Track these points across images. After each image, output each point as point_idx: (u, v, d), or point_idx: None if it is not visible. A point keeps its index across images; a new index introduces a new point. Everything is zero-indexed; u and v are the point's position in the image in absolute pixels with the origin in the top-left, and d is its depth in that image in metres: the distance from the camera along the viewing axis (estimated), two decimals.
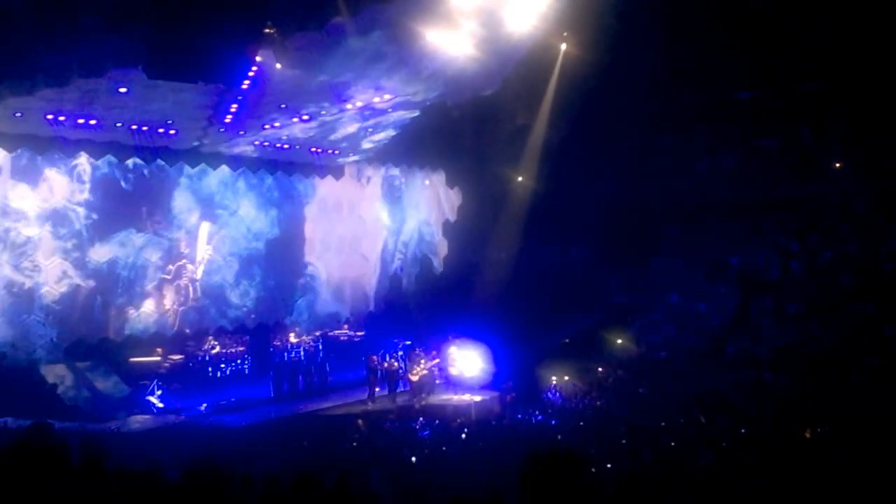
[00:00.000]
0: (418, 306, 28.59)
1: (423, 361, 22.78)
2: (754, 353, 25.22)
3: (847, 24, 22.69)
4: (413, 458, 15.68)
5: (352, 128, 24.20)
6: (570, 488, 3.65)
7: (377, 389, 22.46)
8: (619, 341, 27.12)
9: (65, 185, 21.41)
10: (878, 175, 27.09)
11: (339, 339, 28.10)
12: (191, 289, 24.33)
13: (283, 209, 26.85)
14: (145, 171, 22.76)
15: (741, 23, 23.34)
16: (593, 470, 14.32)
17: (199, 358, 24.18)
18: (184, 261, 24.06)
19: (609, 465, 14.49)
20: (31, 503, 4.64)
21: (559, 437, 17.43)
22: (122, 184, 22.50)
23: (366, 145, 26.37)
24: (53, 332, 21.18)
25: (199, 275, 24.49)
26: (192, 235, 24.34)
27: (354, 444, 17.85)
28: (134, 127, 20.45)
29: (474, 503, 3.86)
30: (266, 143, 24.11)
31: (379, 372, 22.77)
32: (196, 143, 22.50)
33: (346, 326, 28.71)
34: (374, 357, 23.00)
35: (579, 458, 3.81)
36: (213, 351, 24.64)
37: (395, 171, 29.45)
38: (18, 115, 18.14)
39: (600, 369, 25.13)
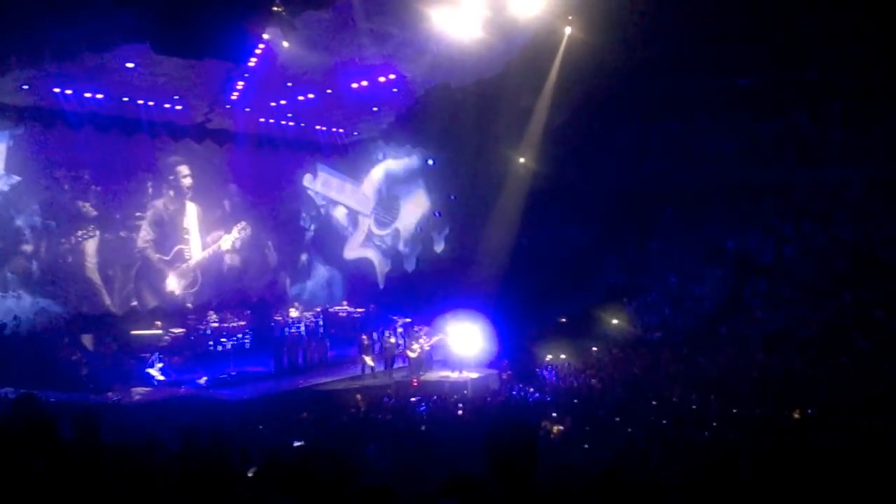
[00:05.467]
0: (419, 284, 28.85)
1: (421, 338, 23.09)
2: (747, 334, 25.51)
3: (845, 12, 22.81)
4: (410, 433, 15.97)
5: (356, 107, 24.36)
6: (528, 460, 3.73)
7: (373, 366, 22.79)
8: (615, 321, 27.41)
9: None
10: (874, 162, 27.34)
11: (338, 316, 28.39)
12: (191, 263, 24.59)
13: (285, 186, 27.05)
14: (150, 145, 22.96)
15: (742, 10, 23.46)
16: (586, 447, 14.65)
17: (200, 332, 24.45)
18: (186, 234, 24.29)
19: (603, 443, 14.80)
20: (19, 476, 4.60)
21: (554, 414, 17.72)
22: (126, 158, 22.72)
23: (369, 124, 26.53)
24: (55, 305, 21.44)
25: (201, 248, 24.75)
26: (195, 209, 24.56)
27: (352, 418, 18.13)
28: (140, 102, 20.60)
29: (471, 479, 4.00)
30: (271, 121, 24.26)
31: (375, 347, 23.08)
32: (202, 120, 22.67)
33: (345, 303, 29.00)
34: (365, 336, 23.30)
35: (532, 430, 3.94)
36: (214, 325, 24.91)
37: (399, 151, 29.62)
38: (26, 87, 18.30)
39: (595, 349, 25.47)
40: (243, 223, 25.90)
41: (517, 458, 3.74)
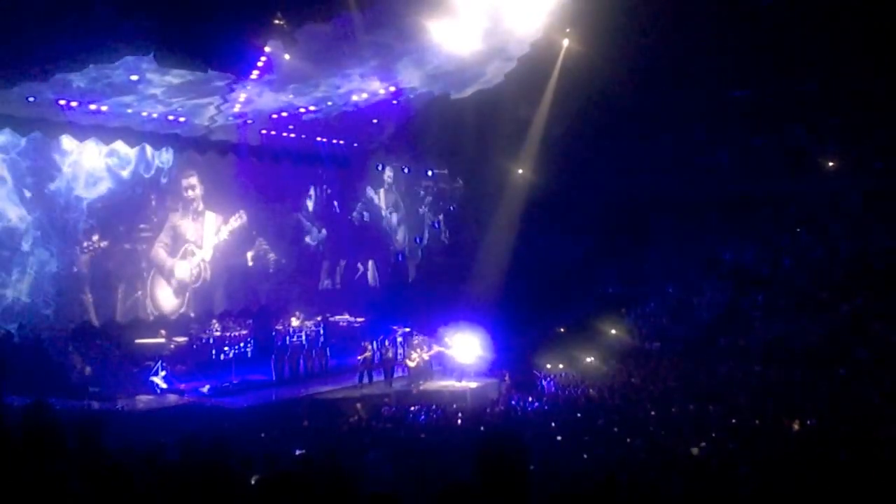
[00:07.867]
0: (418, 294, 28.95)
1: (421, 348, 23.18)
2: (745, 345, 25.61)
3: (841, 25, 23.01)
4: (410, 442, 16.05)
5: (356, 118, 24.52)
6: (517, 474, 3.78)
7: (373, 376, 22.91)
8: (614, 331, 27.51)
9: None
10: (869, 174, 27.53)
11: (339, 325, 28.45)
12: (195, 273, 24.68)
13: (287, 197, 27.18)
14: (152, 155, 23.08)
15: (738, 22, 23.66)
16: (585, 456, 14.74)
17: (203, 340, 24.53)
18: (189, 245, 24.40)
19: (601, 452, 14.88)
20: (28, 482, 4.60)
21: (553, 424, 17.81)
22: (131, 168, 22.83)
23: (370, 136, 26.69)
24: (60, 313, 21.52)
25: (204, 259, 24.84)
26: (198, 221, 24.67)
27: (352, 426, 18.22)
28: (144, 114, 20.70)
29: (470, 488, 4.07)
30: (273, 132, 24.37)
31: (377, 357, 23.20)
32: (204, 132, 22.79)
33: (346, 312, 29.08)
34: (367, 344, 23.46)
35: (521, 444, 3.99)
36: (217, 334, 25.00)
37: (399, 162, 29.75)
38: (32, 99, 18.44)
39: (593, 359, 25.56)
40: (246, 231, 25.90)
41: (508, 469, 3.80)
